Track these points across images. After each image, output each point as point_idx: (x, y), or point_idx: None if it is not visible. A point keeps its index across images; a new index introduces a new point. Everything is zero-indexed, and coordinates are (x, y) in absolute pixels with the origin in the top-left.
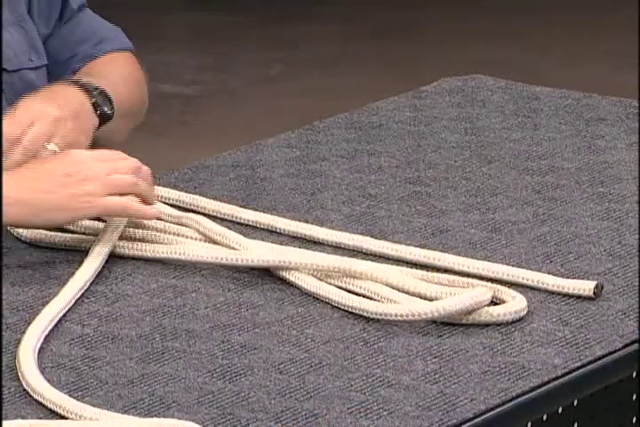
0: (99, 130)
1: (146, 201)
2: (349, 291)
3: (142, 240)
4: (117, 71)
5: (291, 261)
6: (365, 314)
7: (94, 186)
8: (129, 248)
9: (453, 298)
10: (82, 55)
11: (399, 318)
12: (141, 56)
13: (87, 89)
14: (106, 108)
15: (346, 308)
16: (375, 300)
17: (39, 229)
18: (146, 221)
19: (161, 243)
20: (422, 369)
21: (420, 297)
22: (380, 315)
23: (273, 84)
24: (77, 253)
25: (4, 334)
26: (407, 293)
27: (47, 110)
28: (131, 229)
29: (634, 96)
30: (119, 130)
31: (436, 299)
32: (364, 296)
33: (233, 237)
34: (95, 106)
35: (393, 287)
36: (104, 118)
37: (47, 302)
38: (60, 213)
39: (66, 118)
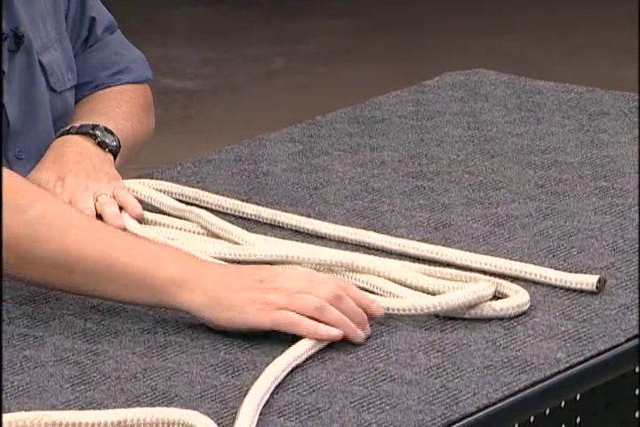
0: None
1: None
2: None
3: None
4: (122, 106)
5: (293, 255)
6: None
7: (276, 297)
8: None
9: (456, 292)
10: (98, 83)
11: (402, 312)
12: (144, 50)
13: (86, 133)
14: (109, 141)
15: None
16: (378, 294)
17: (208, 321)
18: (147, 216)
19: (164, 237)
20: (425, 363)
21: (423, 291)
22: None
23: (276, 78)
24: None
25: (7, 328)
26: (410, 287)
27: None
28: None
29: (634, 90)
30: (129, 159)
31: (439, 293)
32: (366, 290)
33: (236, 231)
34: (102, 145)
35: (395, 282)
36: (114, 151)
37: (50, 296)
38: (230, 312)
39: (99, 178)
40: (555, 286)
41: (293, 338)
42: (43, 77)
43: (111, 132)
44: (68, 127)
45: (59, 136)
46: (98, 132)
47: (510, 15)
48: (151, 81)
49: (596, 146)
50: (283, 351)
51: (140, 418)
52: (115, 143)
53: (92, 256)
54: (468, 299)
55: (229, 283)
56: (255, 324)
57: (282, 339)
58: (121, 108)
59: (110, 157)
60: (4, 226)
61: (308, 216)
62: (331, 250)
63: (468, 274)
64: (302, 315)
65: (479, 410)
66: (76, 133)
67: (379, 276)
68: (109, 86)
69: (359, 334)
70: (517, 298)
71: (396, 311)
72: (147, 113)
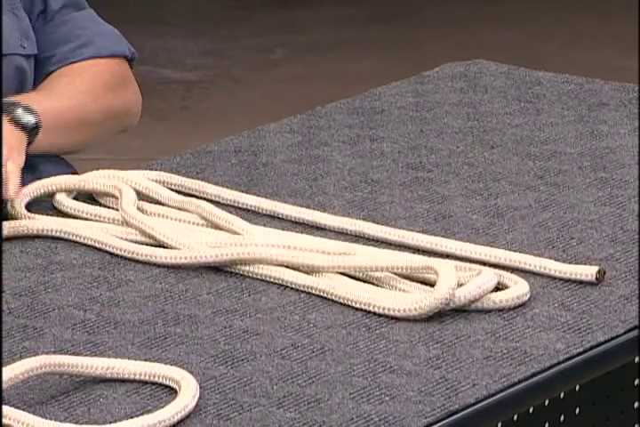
0: (34, 140)
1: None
2: (353, 277)
3: (145, 232)
4: (75, 83)
5: (295, 245)
6: (371, 308)
7: None
8: (132, 235)
9: (462, 289)
10: (59, 57)
11: (405, 313)
12: (143, 41)
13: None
14: (26, 120)
15: (352, 303)
16: (379, 286)
17: None
18: (147, 207)
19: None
20: (424, 355)
21: (424, 283)
22: (388, 310)
23: (275, 69)
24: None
25: (7, 319)
26: (411, 279)
27: None
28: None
29: (634, 81)
30: (84, 137)
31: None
32: (366, 283)
33: (236, 221)
34: (14, 121)
35: (396, 274)
36: (30, 129)
37: (50, 287)
38: None
39: None
40: (554, 277)
41: (293, 331)
42: None
43: (32, 112)
44: None
45: None
46: (15, 110)
47: (510, 5)
48: (126, 56)
49: (596, 137)
50: (283, 343)
51: (127, 367)
52: (31, 123)
53: None
54: (472, 295)
55: None
56: None
57: (282, 332)
58: (73, 84)
59: (21, 135)
60: None
61: (308, 207)
62: (331, 241)
63: (468, 265)
64: None
65: (478, 401)
66: None
67: (379, 268)
68: (73, 62)
69: None
70: (517, 289)
71: (399, 313)
72: (109, 90)
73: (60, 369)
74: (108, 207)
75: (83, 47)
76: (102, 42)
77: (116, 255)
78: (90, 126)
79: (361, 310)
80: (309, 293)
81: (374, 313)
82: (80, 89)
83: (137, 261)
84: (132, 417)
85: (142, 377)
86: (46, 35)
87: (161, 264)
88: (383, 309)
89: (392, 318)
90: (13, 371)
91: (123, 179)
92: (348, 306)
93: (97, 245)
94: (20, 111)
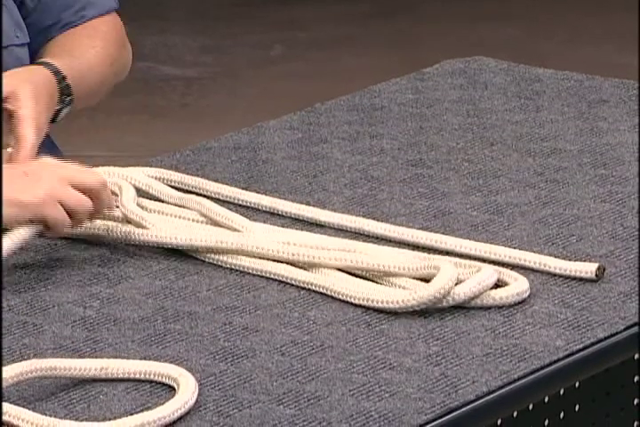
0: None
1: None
2: (352, 274)
3: (143, 227)
4: (96, 45)
5: (295, 242)
6: (369, 303)
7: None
8: (131, 233)
9: (461, 285)
10: (64, 23)
11: (403, 304)
12: (143, 38)
13: (56, 75)
14: (65, 98)
15: (350, 299)
16: (379, 283)
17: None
18: (146, 204)
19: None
20: (424, 351)
21: (424, 280)
22: (386, 303)
23: (274, 65)
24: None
25: (6, 316)
26: (411, 276)
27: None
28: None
29: (634, 78)
30: (99, 98)
31: None
32: (365, 279)
33: (236, 218)
34: (60, 93)
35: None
36: (62, 105)
37: (49, 283)
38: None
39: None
40: (554, 274)
41: (293, 328)
42: None
43: (69, 92)
44: (48, 60)
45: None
46: (62, 81)
47: (510, 2)
48: (117, 10)
49: (596, 134)
50: (283, 339)
51: (121, 367)
52: (68, 99)
53: None
54: (472, 291)
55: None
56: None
57: (282, 328)
58: (96, 48)
59: (57, 105)
60: None
61: (308, 204)
62: (331, 238)
63: (468, 262)
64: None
65: (478, 398)
66: (51, 69)
67: (379, 265)
68: (77, 25)
69: None
70: (517, 286)
71: (398, 305)
72: (120, 49)
73: (51, 373)
74: None
75: (83, 10)
76: (99, 1)
77: (116, 253)
78: (105, 87)
79: (360, 306)
80: (309, 289)
81: (373, 308)
82: (103, 53)
83: (138, 250)
84: (131, 414)
85: (138, 376)
86: (46, 4)
87: (154, 245)
88: (381, 302)
89: (392, 313)
90: (3, 375)
91: (122, 176)
92: (348, 303)
93: (96, 241)
94: (65, 88)
